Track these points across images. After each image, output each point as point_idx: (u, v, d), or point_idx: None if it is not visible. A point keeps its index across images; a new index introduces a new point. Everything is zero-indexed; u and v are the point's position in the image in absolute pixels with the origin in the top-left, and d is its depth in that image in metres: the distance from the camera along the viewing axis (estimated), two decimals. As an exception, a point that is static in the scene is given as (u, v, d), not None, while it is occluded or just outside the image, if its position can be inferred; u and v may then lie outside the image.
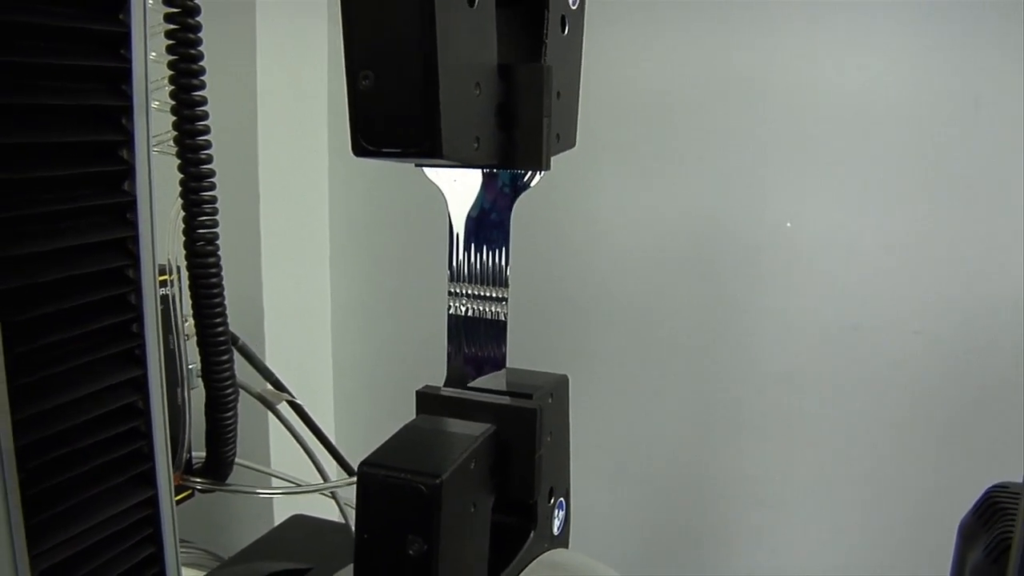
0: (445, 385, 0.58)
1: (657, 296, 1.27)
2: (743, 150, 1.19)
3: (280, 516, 1.29)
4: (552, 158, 0.55)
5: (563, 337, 1.34)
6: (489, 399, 0.55)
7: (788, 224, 1.18)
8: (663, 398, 1.30)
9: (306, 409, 0.98)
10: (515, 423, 0.54)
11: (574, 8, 0.57)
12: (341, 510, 0.97)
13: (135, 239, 0.62)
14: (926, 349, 1.15)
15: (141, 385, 0.65)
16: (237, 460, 0.88)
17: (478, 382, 0.59)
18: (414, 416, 0.57)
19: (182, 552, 1.10)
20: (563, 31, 0.56)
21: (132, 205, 0.61)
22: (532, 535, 0.59)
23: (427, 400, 0.56)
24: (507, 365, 0.61)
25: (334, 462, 1.02)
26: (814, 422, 1.22)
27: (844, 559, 1.24)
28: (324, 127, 1.42)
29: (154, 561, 0.68)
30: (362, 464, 0.48)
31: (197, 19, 0.71)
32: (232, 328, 0.93)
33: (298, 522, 1.09)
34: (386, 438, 0.52)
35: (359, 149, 0.46)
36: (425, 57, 0.43)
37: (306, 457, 0.98)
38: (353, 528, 0.92)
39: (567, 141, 0.58)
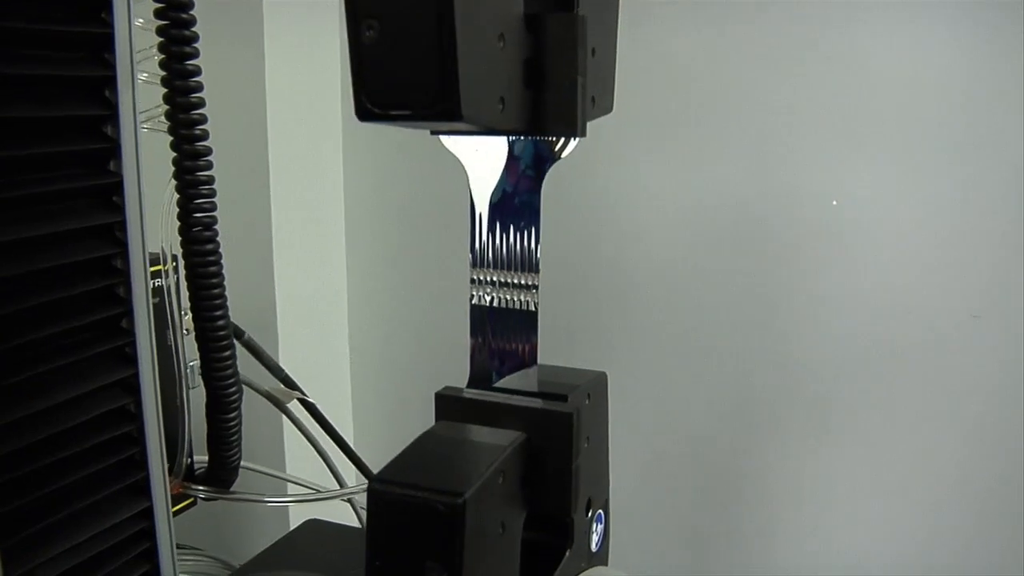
0: (468, 385, 0.52)
1: (688, 283, 1.21)
2: (783, 122, 1.13)
3: (298, 520, 1.24)
4: (588, 124, 0.48)
5: (586, 330, 1.28)
6: (518, 402, 0.49)
7: (834, 202, 1.12)
8: (696, 392, 1.24)
9: (320, 409, 0.93)
10: (549, 429, 0.48)
11: (611, -48, 0.51)
12: (359, 517, 0.92)
13: (122, 224, 0.58)
14: (986, 333, 1.08)
15: (133, 387, 0.61)
16: (246, 464, 0.82)
17: (505, 382, 0.52)
18: (434, 421, 0.51)
19: (189, 560, 1.06)
20: (598, -23, 0.49)
21: (118, 187, 0.57)
22: (568, 553, 0.53)
23: (448, 403, 0.50)
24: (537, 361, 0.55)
25: (351, 465, 0.96)
26: (862, 415, 1.16)
27: (898, 559, 1.18)
28: (338, 111, 1.37)
29: (150, 578, 0.60)
30: (372, 480, 0.42)
31: (190, -23, 0.65)
32: (241, 324, 0.88)
33: (313, 528, 1.03)
34: (408, 441, 0.46)
35: (363, 112, 0.40)
36: (439, 2, 0.37)
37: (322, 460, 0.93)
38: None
39: (603, 105, 0.51)
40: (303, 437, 0.93)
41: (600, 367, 1.16)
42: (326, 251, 1.40)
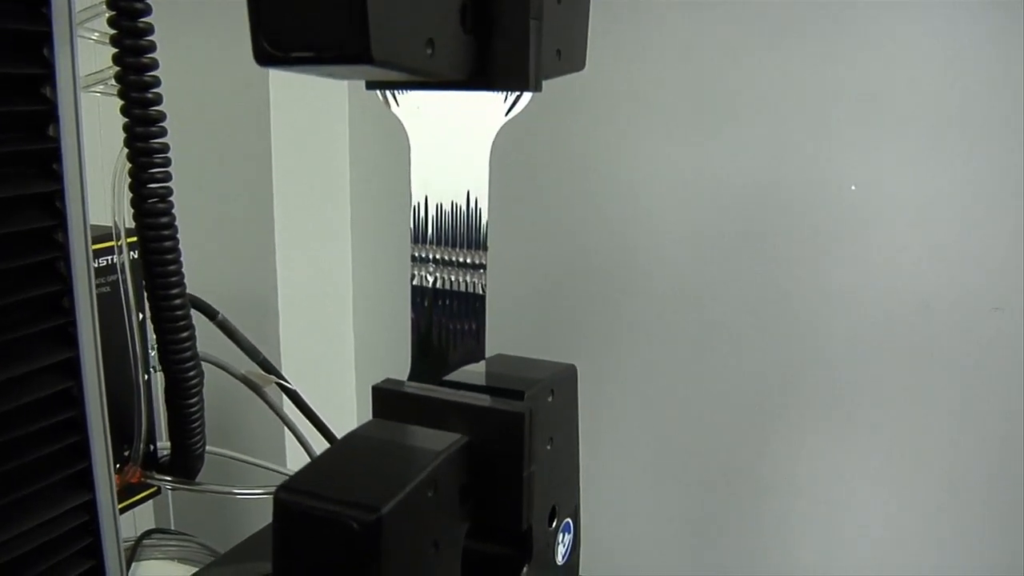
0: (410, 378, 0.44)
1: (700, 269, 1.14)
2: (801, 102, 1.06)
3: None
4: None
5: (596, 318, 1.20)
6: (464, 398, 0.41)
7: (852, 187, 1.05)
8: (708, 384, 1.17)
9: (306, 398, 0.86)
10: (497, 431, 0.40)
11: None
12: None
13: (61, 194, 0.52)
14: (1007, 328, 1.01)
15: (74, 369, 0.55)
16: (213, 449, 0.75)
17: (457, 375, 0.44)
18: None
19: (173, 545, 0.99)
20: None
21: (57, 153, 0.52)
22: (526, 569, 0.45)
23: (385, 398, 0.42)
24: (504, 352, 0.47)
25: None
26: (879, 409, 1.09)
27: (912, 559, 1.11)
28: (344, 92, 1.30)
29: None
30: (279, 489, 0.35)
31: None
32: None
33: (299, 516, 0.96)
34: None
35: (262, 55, 0.32)
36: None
37: (316, 447, 0.86)
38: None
39: (572, 61, 0.43)
40: (298, 424, 0.86)
41: (606, 356, 1.09)
42: (330, 234, 1.33)
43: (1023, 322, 1.00)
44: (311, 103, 1.25)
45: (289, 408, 0.88)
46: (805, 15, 1.04)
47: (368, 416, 1.32)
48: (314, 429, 0.88)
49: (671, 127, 1.12)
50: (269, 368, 0.82)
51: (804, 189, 1.07)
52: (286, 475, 0.82)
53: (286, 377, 0.83)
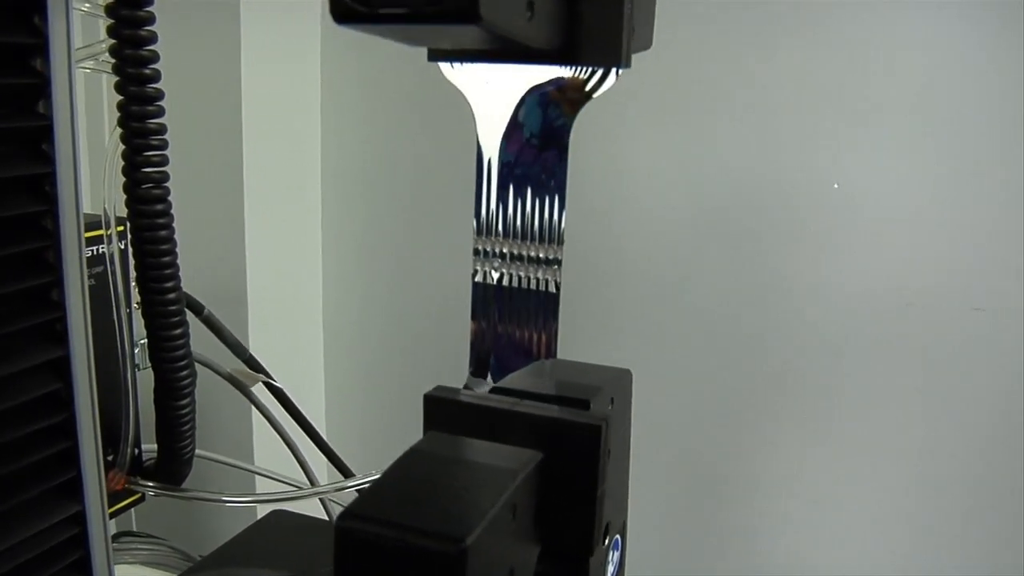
0: (466, 386, 0.39)
1: (683, 264, 1.11)
2: (786, 98, 1.03)
3: (265, 509, 1.12)
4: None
5: (574, 311, 1.15)
6: (531, 409, 0.36)
7: (835, 185, 1.03)
8: (691, 380, 1.14)
9: (289, 395, 0.80)
10: (571, 445, 0.35)
11: None
12: (329, 516, 0.79)
13: (52, 177, 0.48)
14: (988, 328, 1.00)
15: (64, 369, 0.50)
16: (204, 453, 0.70)
17: (509, 380, 0.39)
18: (420, 424, 0.38)
19: (144, 550, 0.93)
20: None
21: (48, 132, 0.47)
22: (580, 592, 0.40)
23: (440, 408, 0.36)
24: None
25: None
26: (860, 408, 1.07)
27: (889, 558, 1.09)
28: (317, 83, 1.24)
29: (82, 593, 0.51)
30: (342, 517, 0.29)
31: None
32: (208, 304, 0.75)
33: (278, 519, 0.91)
34: (384, 433, 0.34)
35: (342, 11, 0.26)
36: None
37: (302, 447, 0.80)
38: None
39: (643, 38, 0.38)
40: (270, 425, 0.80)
41: (591, 356, 1.04)
42: (300, 228, 1.27)
43: (1002, 322, 0.99)
44: (283, 94, 1.19)
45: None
46: (793, 13, 1.01)
47: (336, 412, 1.25)
48: (298, 429, 0.82)
49: (656, 124, 1.09)
50: (255, 366, 0.77)
51: (787, 187, 1.05)
52: (273, 479, 0.76)
53: (272, 375, 0.77)
